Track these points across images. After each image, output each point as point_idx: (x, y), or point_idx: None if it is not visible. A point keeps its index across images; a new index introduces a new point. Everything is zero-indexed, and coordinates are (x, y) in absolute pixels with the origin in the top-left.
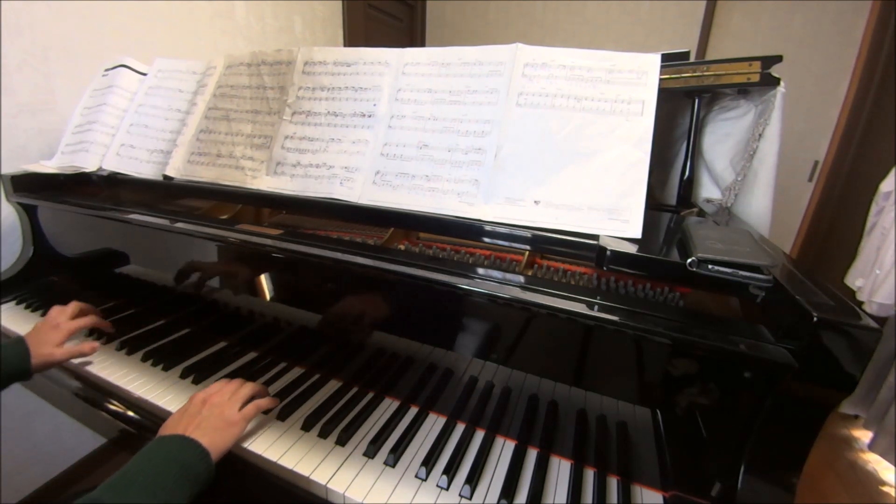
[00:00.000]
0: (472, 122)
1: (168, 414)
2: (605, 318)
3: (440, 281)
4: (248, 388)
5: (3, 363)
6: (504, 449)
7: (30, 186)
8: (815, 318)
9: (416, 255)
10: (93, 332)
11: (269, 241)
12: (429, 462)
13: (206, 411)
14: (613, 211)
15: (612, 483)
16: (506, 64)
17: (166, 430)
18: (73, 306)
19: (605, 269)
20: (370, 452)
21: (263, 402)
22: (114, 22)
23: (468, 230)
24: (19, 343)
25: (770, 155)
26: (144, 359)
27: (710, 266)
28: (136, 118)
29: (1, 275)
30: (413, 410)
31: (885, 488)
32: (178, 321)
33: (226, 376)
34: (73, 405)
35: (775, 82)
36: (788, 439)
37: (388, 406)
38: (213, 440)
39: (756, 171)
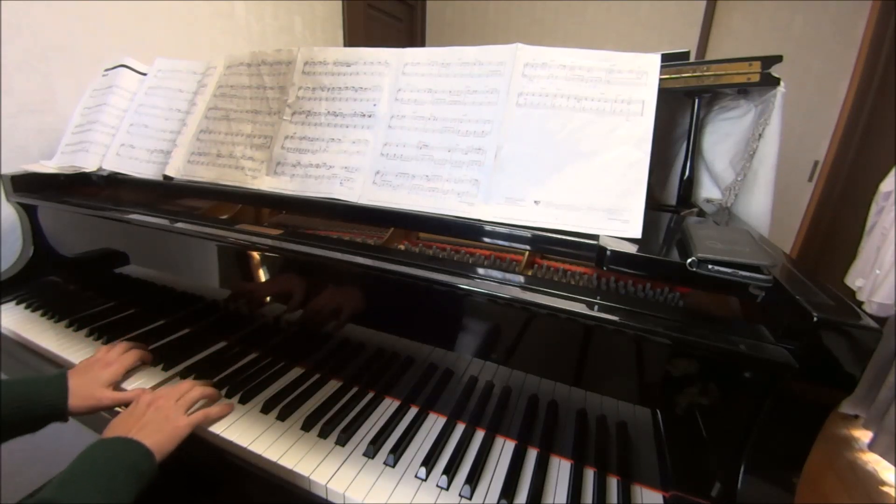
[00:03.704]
0: (472, 122)
1: None
2: (605, 318)
3: (440, 281)
4: (197, 392)
5: (38, 402)
6: (504, 449)
7: (30, 186)
8: (815, 318)
9: (416, 255)
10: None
11: (268, 241)
12: (429, 462)
13: (150, 413)
14: (613, 211)
15: (612, 483)
16: (506, 64)
17: (111, 430)
18: (122, 345)
19: (605, 269)
20: (370, 452)
21: (213, 411)
22: (114, 22)
23: (468, 230)
24: (59, 380)
25: (770, 155)
26: None
27: (710, 266)
28: (136, 118)
29: (1, 275)
30: (413, 410)
31: (885, 488)
32: (178, 321)
33: (226, 376)
34: None
35: (775, 82)
36: (788, 439)
37: (388, 406)
38: (157, 441)
39: (756, 171)
